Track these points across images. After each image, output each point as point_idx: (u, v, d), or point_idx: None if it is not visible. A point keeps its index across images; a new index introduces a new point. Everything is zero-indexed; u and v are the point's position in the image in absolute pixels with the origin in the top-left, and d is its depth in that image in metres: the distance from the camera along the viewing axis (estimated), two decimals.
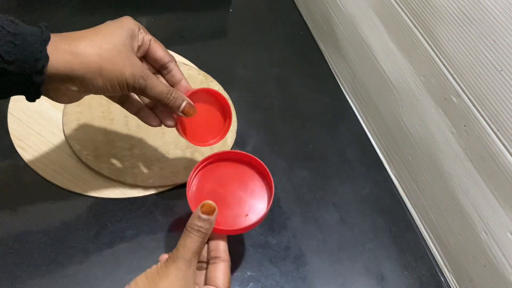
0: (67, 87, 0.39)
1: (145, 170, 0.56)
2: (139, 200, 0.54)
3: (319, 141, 0.67)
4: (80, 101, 0.42)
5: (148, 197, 0.55)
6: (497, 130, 0.46)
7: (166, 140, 0.59)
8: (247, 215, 0.46)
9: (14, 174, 0.53)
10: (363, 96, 0.71)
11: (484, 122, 0.47)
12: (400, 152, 0.63)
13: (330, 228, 0.57)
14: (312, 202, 0.60)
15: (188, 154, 0.59)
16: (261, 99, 0.71)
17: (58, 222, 0.51)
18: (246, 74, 0.74)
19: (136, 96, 0.49)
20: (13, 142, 0.55)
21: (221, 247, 0.43)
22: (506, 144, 0.45)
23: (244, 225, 0.44)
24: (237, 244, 0.53)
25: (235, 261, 0.52)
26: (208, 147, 0.52)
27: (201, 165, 0.49)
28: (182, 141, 0.59)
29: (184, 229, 0.41)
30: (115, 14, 0.45)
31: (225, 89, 0.70)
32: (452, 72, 0.51)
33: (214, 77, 0.71)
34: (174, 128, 0.49)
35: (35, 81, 0.36)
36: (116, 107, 0.49)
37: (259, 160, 0.48)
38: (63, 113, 0.58)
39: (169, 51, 0.47)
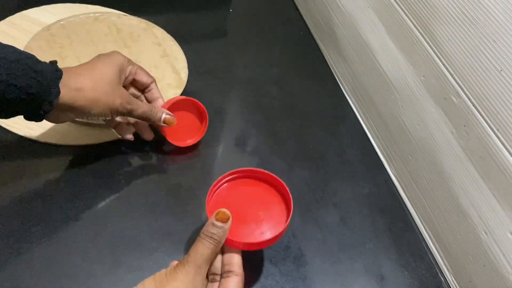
0: (67, 114, 0.47)
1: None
2: (139, 200, 0.54)
3: (319, 141, 0.67)
4: None
5: (148, 197, 0.55)
6: (497, 130, 0.46)
7: None
8: (263, 233, 0.46)
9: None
10: (363, 96, 0.71)
11: (484, 122, 0.47)
12: (400, 152, 0.63)
13: (330, 228, 0.57)
14: (312, 202, 0.60)
15: None
16: (261, 99, 0.71)
17: (59, 221, 0.51)
18: (246, 74, 0.74)
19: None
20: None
21: (235, 261, 0.43)
22: (506, 144, 0.45)
23: (257, 241, 0.44)
24: None
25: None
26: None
27: (225, 178, 0.49)
28: None
29: (198, 236, 0.42)
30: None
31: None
32: (452, 72, 0.51)
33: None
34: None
35: (44, 109, 0.43)
36: None
37: (283, 183, 0.48)
38: None
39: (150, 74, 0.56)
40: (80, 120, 0.58)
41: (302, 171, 0.63)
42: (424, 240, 0.60)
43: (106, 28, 0.71)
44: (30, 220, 0.50)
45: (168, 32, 0.74)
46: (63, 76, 0.44)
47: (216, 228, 0.42)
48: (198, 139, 0.60)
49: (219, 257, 0.44)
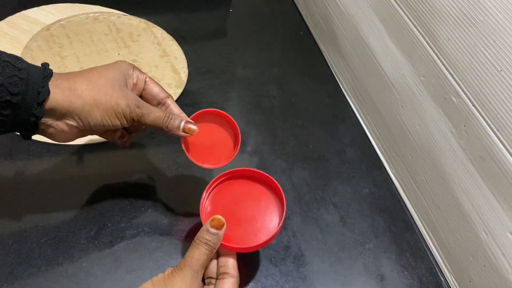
0: (66, 122, 0.41)
1: None
2: (139, 200, 0.54)
3: (319, 141, 0.67)
4: None
5: (148, 197, 0.55)
6: (497, 130, 0.46)
7: None
8: (256, 234, 0.46)
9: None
10: (363, 96, 0.71)
11: (484, 122, 0.47)
12: (400, 152, 0.63)
13: (330, 228, 0.57)
14: (312, 202, 0.60)
15: None
16: (261, 99, 0.71)
17: (58, 221, 0.51)
18: (246, 74, 0.74)
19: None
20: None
21: (230, 263, 0.43)
22: (506, 144, 0.45)
23: (252, 245, 0.45)
24: None
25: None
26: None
27: (217, 181, 0.49)
28: None
29: (193, 241, 0.42)
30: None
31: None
32: (452, 72, 0.51)
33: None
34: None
35: (35, 114, 0.38)
36: None
37: (273, 179, 0.48)
38: None
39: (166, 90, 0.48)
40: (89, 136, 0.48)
41: (302, 171, 0.63)
42: (424, 240, 0.60)
43: (106, 28, 0.71)
44: (30, 220, 0.50)
45: (168, 32, 0.74)
46: (53, 77, 0.40)
47: (211, 235, 0.42)
48: (227, 161, 0.50)
49: (214, 260, 0.44)
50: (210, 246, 0.42)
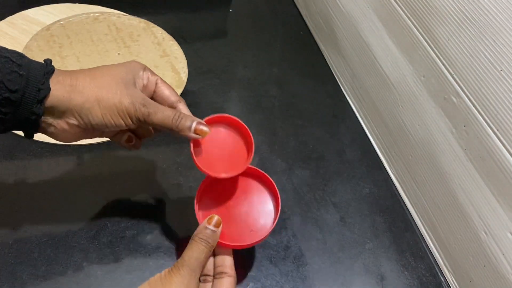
0: (67, 121, 0.39)
1: None
2: (140, 200, 0.54)
3: (319, 141, 0.67)
4: None
5: (148, 197, 0.55)
6: (497, 130, 0.46)
7: None
8: (252, 230, 0.46)
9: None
10: (363, 96, 0.71)
11: (484, 122, 0.47)
12: (400, 152, 0.63)
13: (330, 228, 0.57)
14: (312, 202, 0.60)
15: None
16: (261, 99, 0.71)
17: (58, 221, 0.51)
18: (246, 74, 0.74)
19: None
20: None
21: (227, 262, 0.43)
22: (506, 144, 0.45)
23: (248, 242, 0.45)
24: None
25: (235, 261, 0.52)
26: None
27: (210, 178, 0.48)
28: None
29: (191, 240, 0.42)
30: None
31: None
32: (452, 72, 0.51)
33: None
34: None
35: (35, 112, 0.37)
36: None
37: (267, 175, 0.48)
38: None
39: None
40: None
41: (302, 171, 0.63)
42: (424, 240, 0.60)
43: (106, 28, 0.71)
44: (30, 220, 0.50)
45: (168, 32, 0.74)
46: (55, 73, 0.38)
47: (209, 233, 0.42)
48: (238, 171, 0.45)
49: (211, 259, 0.44)
50: (209, 243, 0.42)
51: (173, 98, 0.44)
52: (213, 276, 0.43)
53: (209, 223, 0.42)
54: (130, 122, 0.41)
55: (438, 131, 0.55)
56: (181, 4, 0.82)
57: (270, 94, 0.72)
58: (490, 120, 0.46)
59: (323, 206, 0.59)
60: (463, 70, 0.49)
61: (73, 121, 0.39)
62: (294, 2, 0.90)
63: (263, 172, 0.48)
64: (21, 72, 0.36)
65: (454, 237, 0.54)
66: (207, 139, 0.44)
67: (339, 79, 0.78)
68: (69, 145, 0.57)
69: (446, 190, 0.55)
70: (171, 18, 0.78)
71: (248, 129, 0.46)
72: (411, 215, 0.62)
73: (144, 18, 0.75)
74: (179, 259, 0.41)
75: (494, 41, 0.45)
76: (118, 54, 0.68)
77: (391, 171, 0.66)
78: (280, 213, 0.46)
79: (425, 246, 0.59)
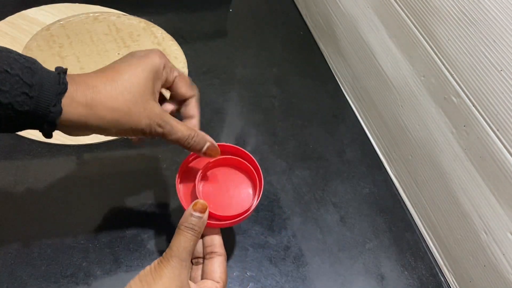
0: (79, 133, 0.39)
1: None
2: (140, 200, 0.54)
3: (319, 141, 0.67)
4: None
5: (148, 197, 0.55)
6: (497, 130, 0.46)
7: None
8: (236, 209, 0.45)
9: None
10: (363, 96, 0.71)
11: (484, 122, 0.47)
12: (400, 152, 0.63)
13: (330, 228, 0.57)
14: (312, 202, 0.60)
15: None
16: (261, 99, 0.71)
17: (58, 221, 0.51)
18: (246, 74, 0.74)
19: None
20: None
21: (216, 242, 0.43)
22: (506, 144, 0.45)
23: (233, 215, 0.44)
24: (237, 244, 0.53)
25: (235, 261, 0.52)
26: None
27: (186, 163, 0.48)
28: None
29: (177, 229, 0.41)
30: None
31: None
32: (452, 72, 0.51)
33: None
34: None
35: (45, 129, 0.36)
36: None
37: (245, 151, 0.48)
38: None
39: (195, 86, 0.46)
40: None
41: (302, 171, 0.63)
42: (424, 240, 0.60)
43: (106, 27, 0.71)
44: (30, 220, 0.50)
45: (168, 32, 0.74)
46: (69, 88, 0.36)
47: (196, 219, 0.41)
48: (244, 214, 0.45)
49: (200, 241, 0.43)
50: (195, 231, 0.40)
51: (188, 95, 0.44)
52: (203, 257, 0.43)
53: (194, 210, 0.41)
54: (143, 137, 0.41)
55: (438, 131, 0.55)
56: (181, 4, 0.82)
57: (270, 94, 0.72)
58: (490, 120, 0.46)
59: (323, 206, 0.59)
60: (463, 70, 0.49)
61: (86, 133, 0.39)
62: (294, 2, 0.90)
63: (241, 148, 0.48)
64: (31, 94, 0.34)
65: (454, 237, 0.54)
66: (210, 180, 0.47)
67: (339, 79, 0.78)
68: (69, 145, 0.57)
69: (446, 190, 0.55)
70: (171, 18, 0.78)
71: (254, 159, 0.47)
72: (411, 215, 0.62)
73: (144, 18, 0.75)
74: (167, 249, 0.40)
75: (494, 41, 0.45)
76: (118, 54, 0.68)
77: (391, 171, 0.66)
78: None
79: (425, 246, 0.59)
